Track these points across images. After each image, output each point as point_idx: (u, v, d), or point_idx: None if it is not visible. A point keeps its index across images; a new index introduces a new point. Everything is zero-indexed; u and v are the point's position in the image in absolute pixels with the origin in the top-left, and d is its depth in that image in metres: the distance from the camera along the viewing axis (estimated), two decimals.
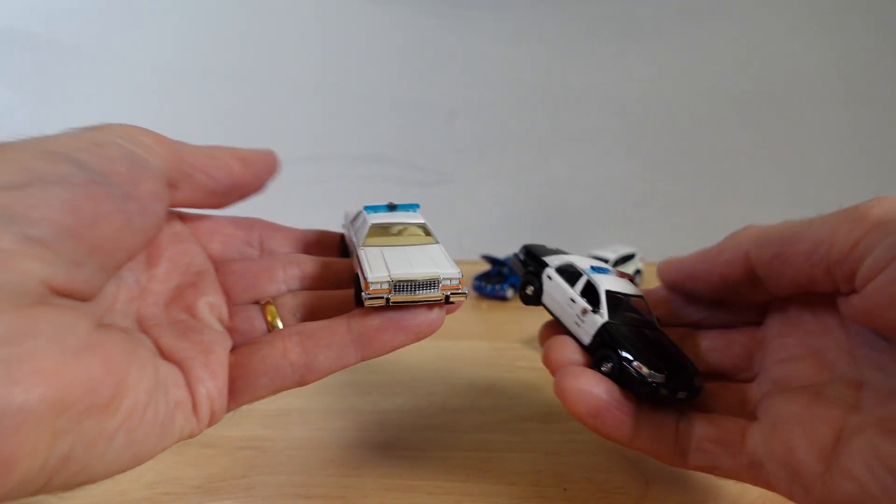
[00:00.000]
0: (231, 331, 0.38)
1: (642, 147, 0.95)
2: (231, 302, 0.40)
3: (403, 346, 0.36)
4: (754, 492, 0.44)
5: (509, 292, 0.81)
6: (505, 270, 0.83)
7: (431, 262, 0.38)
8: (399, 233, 0.42)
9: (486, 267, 0.86)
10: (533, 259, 0.46)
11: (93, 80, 0.94)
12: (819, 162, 0.94)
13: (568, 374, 0.38)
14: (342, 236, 0.47)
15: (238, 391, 0.35)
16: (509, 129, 0.95)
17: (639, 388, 0.37)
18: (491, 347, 0.67)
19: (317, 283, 0.43)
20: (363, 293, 0.35)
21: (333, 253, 0.46)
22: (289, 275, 0.42)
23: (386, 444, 0.49)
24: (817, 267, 0.34)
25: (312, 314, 0.40)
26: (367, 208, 0.43)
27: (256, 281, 0.41)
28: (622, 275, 0.45)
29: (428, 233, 0.42)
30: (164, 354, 0.33)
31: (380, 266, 0.37)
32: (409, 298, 0.36)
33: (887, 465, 0.31)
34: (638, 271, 0.88)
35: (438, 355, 0.64)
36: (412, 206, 0.45)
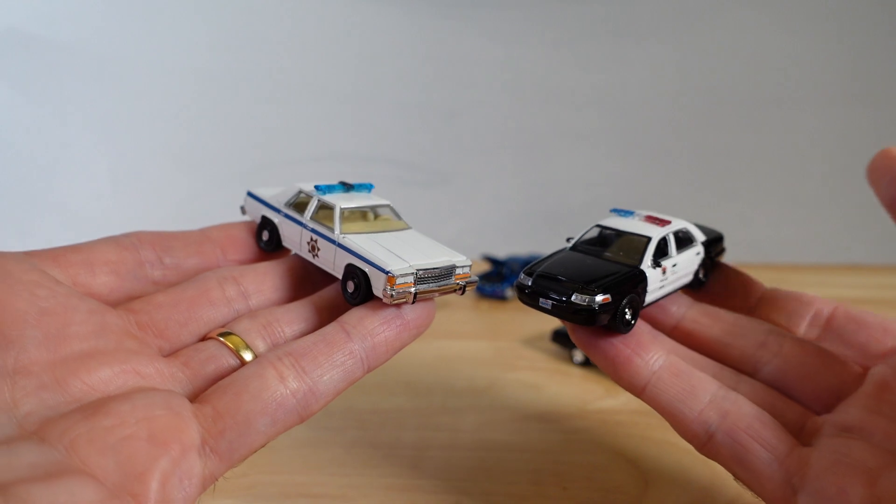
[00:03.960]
0: (192, 381, 0.31)
1: (642, 147, 0.95)
2: (170, 343, 0.32)
3: (407, 345, 0.33)
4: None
5: (509, 292, 0.81)
6: (505, 270, 0.83)
7: (438, 251, 0.35)
8: (374, 217, 0.38)
9: (487, 267, 0.86)
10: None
11: (93, 80, 0.94)
12: (818, 162, 0.94)
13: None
14: (260, 224, 0.39)
15: (229, 446, 0.28)
16: (509, 129, 0.95)
17: (517, 290, 0.37)
18: (491, 347, 0.67)
19: (266, 295, 0.36)
20: (388, 289, 0.31)
21: (251, 249, 0.39)
22: (229, 294, 0.34)
23: (386, 444, 0.49)
24: None
25: (285, 335, 0.33)
26: (318, 188, 0.38)
27: (193, 311, 0.33)
28: (653, 219, 0.42)
29: (398, 216, 0.39)
30: (84, 462, 0.25)
31: (392, 257, 0.33)
32: (430, 290, 0.33)
33: None
34: None
35: (438, 355, 0.64)
36: (367, 186, 0.41)
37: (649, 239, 0.39)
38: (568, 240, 0.42)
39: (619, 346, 0.35)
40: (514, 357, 0.65)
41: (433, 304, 0.34)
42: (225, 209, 1.01)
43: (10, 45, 0.93)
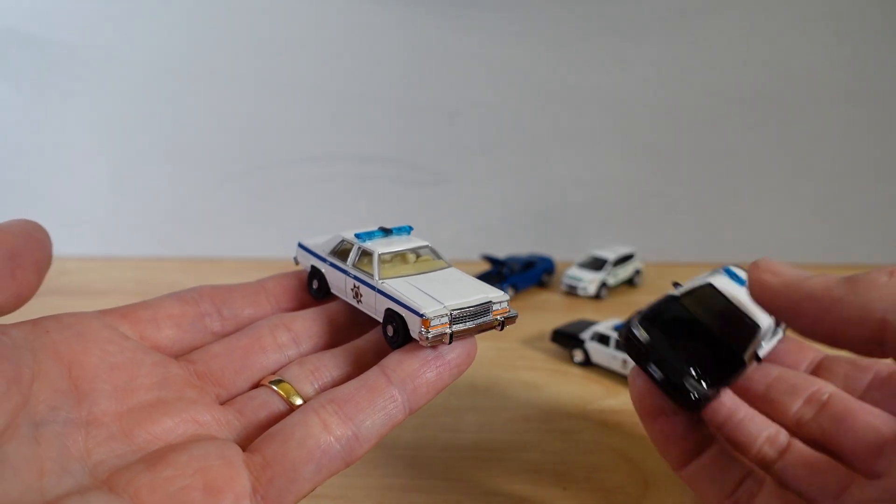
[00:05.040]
0: (247, 428, 0.32)
1: (642, 147, 0.95)
2: (227, 391, 0.34)
3: (447, 386, 0.33)
4: None
5: (509, 292, 0.81)
6: (505, 270, 0.83)
7: (474, 288, 0.36)
8: (413, 260, 0.39)
9: (486, 267, 0.86)
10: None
11: (92, 80, 0.95)
12: (819, 162, 0.94)
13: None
14: (310, 273, 0.41)
15: (278, 494, 0.29)
16: (509, 129, 0.95)
17: (623, 337, 0.36)
18: (491, 347, 0.67)
19: (315, 340, 0.37)
20: (423, 331, 0.32)
21: (303, 297, 0.41)
22: (280, 341, 0.36)
23: (386, 444, 0.49)
24: None
25: (332, 379, 0.35)
26: (359, 236, 0.39)
27: (247, 359, 0.35)
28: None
29: (438, 256, 0.40)
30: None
31: (426, 299, 0.34)
32: (467, 330, 0.33)
33: None
34: (638, 271, 0.88)
35: None
36: (405, 229, 0.42)
37: (759, 328, 0.37)
38: (675, 284, 0.40)
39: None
40: (514, 357, 0.65)
41: (473, 342, 0.34)
42: (225, 209, 1.01)
43: (9, 45, 0.93)
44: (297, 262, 0.43)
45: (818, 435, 0.35)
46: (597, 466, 0.47)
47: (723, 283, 0.38)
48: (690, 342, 0.35)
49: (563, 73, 0.93)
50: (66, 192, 0.99)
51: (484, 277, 0.82)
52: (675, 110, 0.93)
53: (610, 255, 0.85)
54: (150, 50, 0.93)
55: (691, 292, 0.37)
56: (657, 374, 0.34)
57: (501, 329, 0.35)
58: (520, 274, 0.84)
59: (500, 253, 0.90)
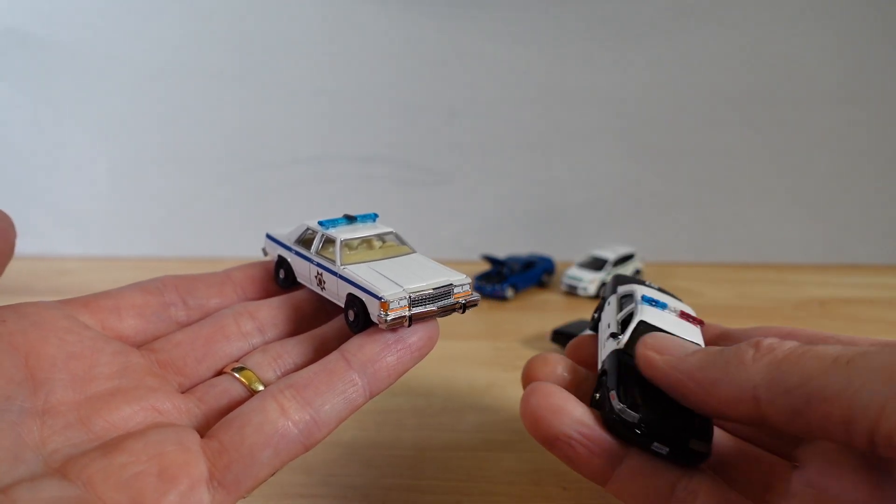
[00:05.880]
0: (207, 415, 0.32)
1: (642, 147, 0.95)
2: (189, 379, 0.34)
3: (409, 369, 0.34)
4: None
5: (509, 292, 0.81)
6: (505, 270, 0.83)
7: (435, 272, 0.36)
8: (377, 246, 0.39)
9: (486, 267, 0.86)
10: (615, 287, 0.42)
11: (92, 80, 0.95)
12: (818, 162, 0.94)
13: (536, 390, 0.33)
14: (277, 263, 0.41)
15: (235, 479, 0.28)
16: (509, 129, 0.95)
17: (609, 422, 0.32)
18: (491, 347, 0.67)
19: (280, 328, 0.37)
20: (382, 314, 0.32)
21: (270, 287, 0.41)
22: (244, 329, 0.36)
23: (386, 444, 0.49)
24: (857, 437, 0.25)
25: (294, 365, 0.35)
26: (322, 223, 0.39)
27: (210, 347, 0.35)
28: (688, 317, 0.39)
29: (403, 242, 0.40)
30: (100, 497, 0.26)
31: (386, 283, 0.34)
32: (428, 312, 0.33)
33: None
34: (638, 271, 0.88)
35: (438, 355, 0.64)
36: (371, 216, 0.41)
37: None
38: (595, 317, 0.40)
39: None
40: (514, 357, 0.65)
41: (435, 325, 0.34)
42: (225, 209, 1.01)
43: (9, 45, 0.93)
44: (265, 253, 0.43)
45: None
46: None
47: (651, 317, 0.37)
48: (665, 399, 0.32)
49: (563, 73, 0.93)
50: (66, 192, 0.99)
51: (484, 277, 0.83)
52: (674, 110, 0.93)
53: (610, 255, 0.85)
54: (150, 50, 0.93)
55: (632, 340, 0.35)
56: (663, 450, 0.32)
57: (463, 312, 0.36)
58: (520, 274, 0.83)
59: (500, 253, 0.90)
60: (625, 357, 0.34)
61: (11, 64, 0.94)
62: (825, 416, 0.25)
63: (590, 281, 0.82)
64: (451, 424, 0.52)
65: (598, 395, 0.34)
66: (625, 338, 0.35)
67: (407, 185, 0.97)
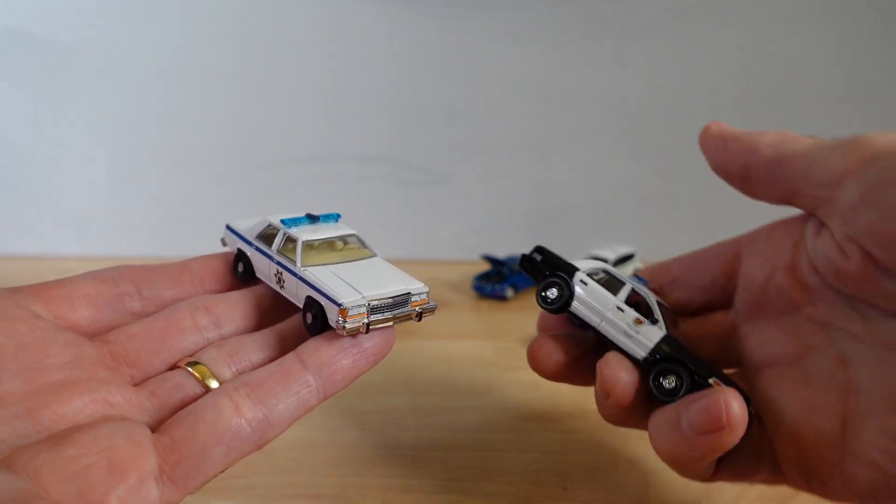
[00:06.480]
0: (160, 409, 0.32)
1: (642, 147, 0.95)
2: (142, 372, 0.34)
3: (364, 373, 0.34)
4: (753, 492, 0.44)
5: (509, 292, 0.81)
6: (505, 270, 0.83)
7: (394, 279, 0.36)
8: (338, 248, 0.39)
9: (486, 267, 0.86)
10: (554, 262, 0.42)
11: (92, 80, 0.94)
12: None
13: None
14: (236, 256, 0.41)
15: (185, 475, 0.28)
16: (509, 129, 0.95)
17: None
18: (491, 347, 0.67)
19: (237, 323, 0.37)
20: (340, 320, 0.32)
21: (229, 280, 0.40)
22: (200, 323, 0.36)
23: (386, 444, 0.49)
24: (807, 183, 0.34)
25: (250, 363, 0.34)
26: (284, 221, 0.39)
27: (164, 340, 0.34)
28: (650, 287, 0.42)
29: (364, 245, 0.40)
30: (46, 489, 0.26)
31: (346, 288, 0.34)
32: (385, 320, 0.34)
33: None
34: (638, 271, 0.88)
35: (438, 355, 0.64)
36: (333, 217, 0.41)
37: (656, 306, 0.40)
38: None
39: None
40: (514, 357, 0.65)
41: (392, 331, 0.35)
42: (225, 209, 1.01)
43: (9, 45, 0.93)
44: (224, 244, 0.43)
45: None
46: (597, 466, 0.47)
47: (592, 266, 0.41)
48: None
49: (562, 73, 0.93)
50: (66, 192, 0.98)
51: (484, 277, 0.83)
52: (675, 110, 0.93)
53: (610, 254, 0.85)
54: (150, 50, 0.93)
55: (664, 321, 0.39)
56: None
57: (419, 320, 0.36)
58: (520, 274, 0.83)
59: (500, 253, 0.90)
60: (677, 341, 0.38)
61: (11, 64, 0.93)
62: (793, 165, 0.35)
63: None
64: (451, 424, 0.52)
65: (667, 381, 0.37)
66: (662, 322, 0.38)
67: (407, 185, 0.97)
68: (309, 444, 0.49)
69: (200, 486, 0.29)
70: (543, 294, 0.40)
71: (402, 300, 0.35)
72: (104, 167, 0.98)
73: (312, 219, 0.40)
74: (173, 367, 0.34)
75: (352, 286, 0.34)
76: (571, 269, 0.41)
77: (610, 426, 0.52)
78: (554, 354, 0.40)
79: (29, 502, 0.25)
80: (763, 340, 0.38)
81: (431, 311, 0.36)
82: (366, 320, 0.33)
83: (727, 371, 0.40)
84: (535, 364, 0.40)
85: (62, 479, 0.26)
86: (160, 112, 0.96)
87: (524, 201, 0.98)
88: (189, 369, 0.33)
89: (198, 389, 0.32)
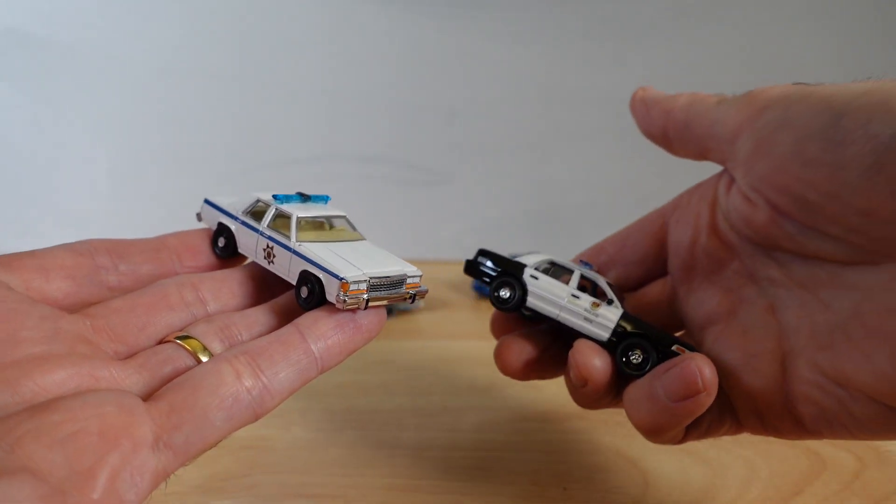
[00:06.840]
0: (149, 383, 0.30)
1: (642, 147, 0.95)
2: (128, 347, 0.32)
3: (358, 349, 0.33)
4: (753, 491, 0.44)
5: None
6: None
7: (389, 260, 0.36)
8: (330, 228, 0.39)
9: None
10: (500, 262, 0.43)
11: (92, 79, 0.94)
12: None
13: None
14: (217, 230, 0.40)
15: (185, 441, 0.27)
16: (509, 129, 0.95)
17: None
18: (491, 347, 0.66)
19: (224, 301, 0.36)
20: (341, 294, 0.32)
21: (207, 256, 0.39)
22: (187, 298, 0.35)
23: (386, 444, 0.49)
24: (714, 141, 0.37)
25: (241, 337, 0.34)
26: (277, 197, 0.39)
27: (151, 315, 0.33)
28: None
29: (354, 228, 0.40)
30: (29, 458, 0.24)
31: (345, 264, 0.34)
32: (380, 298, 0.34)
33: (831, 376, 0.32)
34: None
35: (438, 355, 0.64)
36: (323, 198, 0.42)
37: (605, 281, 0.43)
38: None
39: None
40: None
41: (383, 311, 0.35)
42: None
43: (9, 45, 0.93)
44: (199, 219, 0.42)
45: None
46: (597, 466, 0.47)
47: (538, 260, 0.43)
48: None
49: (562, 73, 0.93)
50: (66, 192, 0.98)
51: None
52: None
53: None
54: (150, 50, 0.93)
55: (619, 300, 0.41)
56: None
57: (412, 302, 0.36)
58: None
59: (500, 253, 0.89)
60: (633, 316, 0.39)
61: (11, 64, 0.93)
62: (699, 125, 0.39)
63: None
64: (451, 424, 0.52)
65: (634, 356, 0.38)
66: (617, 301, 0.40)
67: (407, 185, 0.97)
68: (310, 443, 0.49)
69: (198, 455, 0.28)
70: (497, 295, 0.41)
71: (399, 281, 0.35)
72: (104, 167, 0.98)
73: (304, 197, 0.40)
74: (161, 342, 0.33)
75: (351, 263, 0.34)
76: (520, 266, 0.41)
77: (610, 426, 0.52)
78: (523, 353, 0.41)
79: (10, 475, 0.23)
80: (700, 301, 0.40)
81: (423, 293, 0.37)
82: (365, 296, 0.33)
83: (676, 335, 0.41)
84: (506, 366, 0.41)
85: (48, 446, 0.24)
86: (160, 112, 0.96)
87: (524, 201, 0.98)
88: (180, 342, 0.32)
89: (190, 362, 0.31)
